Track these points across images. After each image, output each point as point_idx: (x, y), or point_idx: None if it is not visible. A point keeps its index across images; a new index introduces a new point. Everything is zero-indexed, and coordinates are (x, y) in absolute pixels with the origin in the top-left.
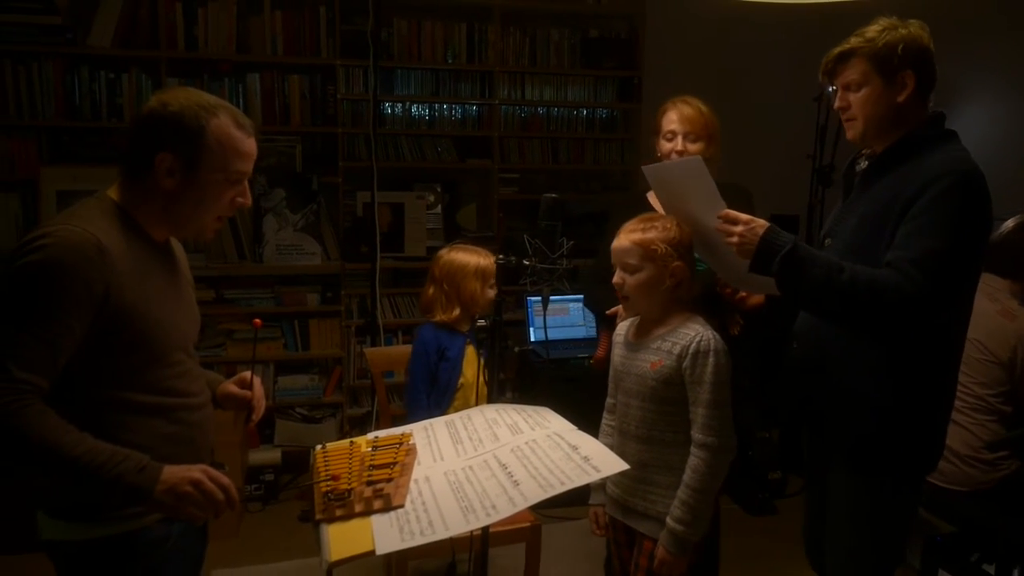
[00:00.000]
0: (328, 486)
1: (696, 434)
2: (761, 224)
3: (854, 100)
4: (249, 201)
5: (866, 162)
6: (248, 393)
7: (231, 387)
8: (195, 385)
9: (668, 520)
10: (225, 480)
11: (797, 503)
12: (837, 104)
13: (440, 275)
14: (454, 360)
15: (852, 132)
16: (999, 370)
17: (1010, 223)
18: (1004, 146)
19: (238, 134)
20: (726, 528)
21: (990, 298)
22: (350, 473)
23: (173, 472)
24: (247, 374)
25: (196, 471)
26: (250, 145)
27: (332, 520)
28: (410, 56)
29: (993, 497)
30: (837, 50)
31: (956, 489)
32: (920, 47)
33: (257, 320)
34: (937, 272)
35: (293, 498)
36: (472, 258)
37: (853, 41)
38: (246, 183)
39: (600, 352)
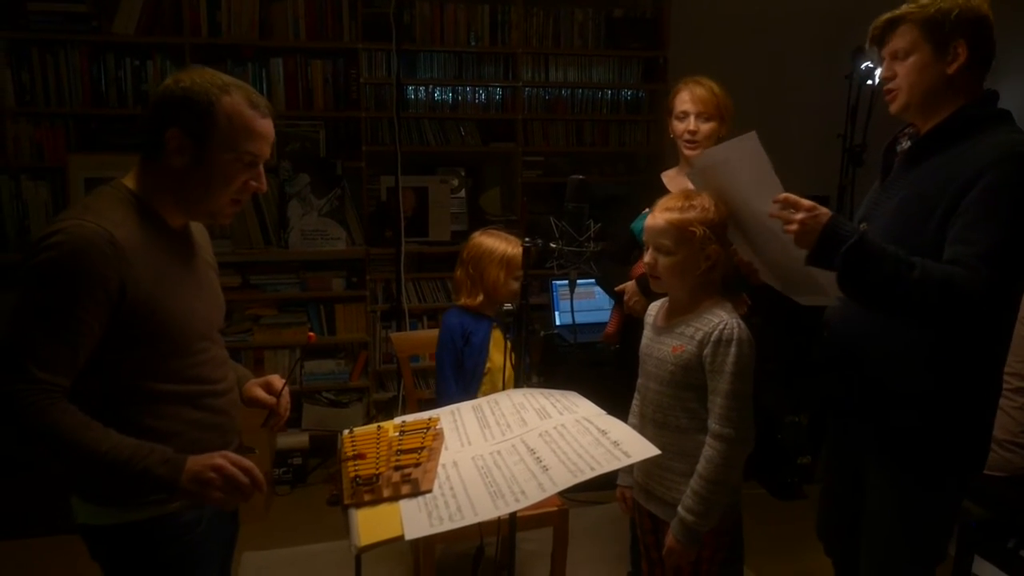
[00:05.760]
0: (355, 470)
1: (713, 424)
2: (824, 212)
3: (900, 69)
4: (264, 186)
5: (908, 142)
6: (272, 400)
7: (258, 391)
8: (220, 371)
9: (679, 509)
10: (247, 463)
11: None
12: (884, 73)
13: (468, 258)
14: (479, 345)
15: (896, 105)
16: None
17: None
18: None
19: (251, 113)
20: (754, 513)
21: None
22: (378, 458)
23: (196, 461)
24: (276, 380)
25: (218, 457)
26: (264, 126)
27: (360, 505)
28: (432, 39)
29: None
30: (887, 16)
31: (993, 474)
32: (977, 16)
33: (312, 334)
34: (1006, 267)
35: (321, 481)
36: (500, 245)
37: (904, 7)
38: (261, 167)
39: (610, 328)
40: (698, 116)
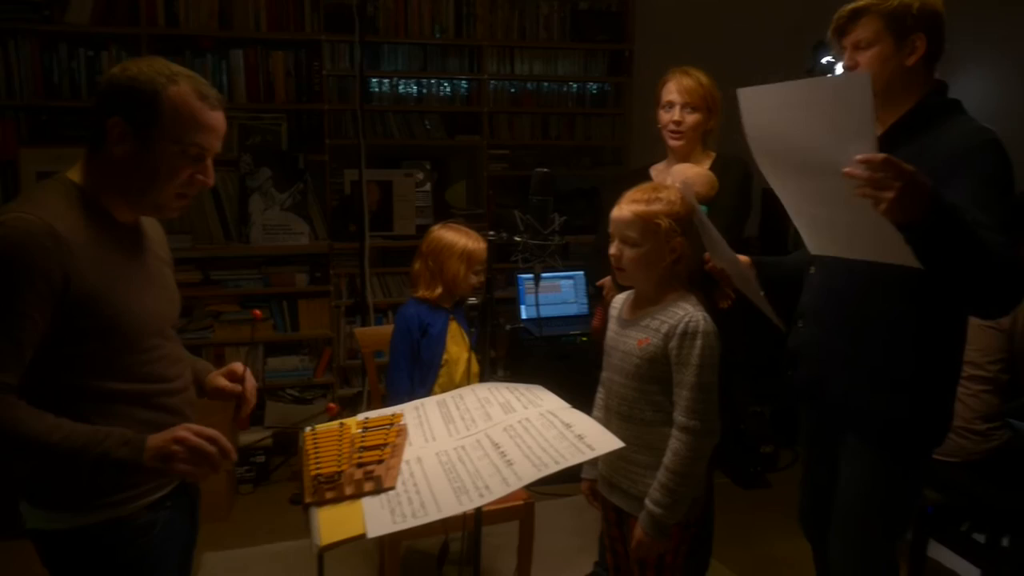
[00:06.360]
0: (317, 468)
1: (679, 416)
2: (925, 178)
3: (863, 60)
4: (211, 180)
5: None
6: (238, 387)
7: (221, 380)
8: (174, 369)
9: (647, 502)
10: (211, 432)
11: (788, 476)
12: (846, 63)
13: (427, 251)
14: (437, 336)
15: None
16: (1000, 337)
17: None
18: (1003, 115)
19: (199, 104)
20: (718, 503)
21: None
22: (339, 455)
23: (157, 437)
24: (238, 366)
25: (180, 430)
26: (213, 118)
27: (322, 503)
28: (397, 31)
29: (983, 467)
30: (851, 7)
31: (947, 460)
32: (934, 11)
33: (257, 311)
34: (1018, 243)
35: (285, 480)
36: (461, 239)
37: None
38: (209, 161)
39: (595, 322)
40: (684, 107)
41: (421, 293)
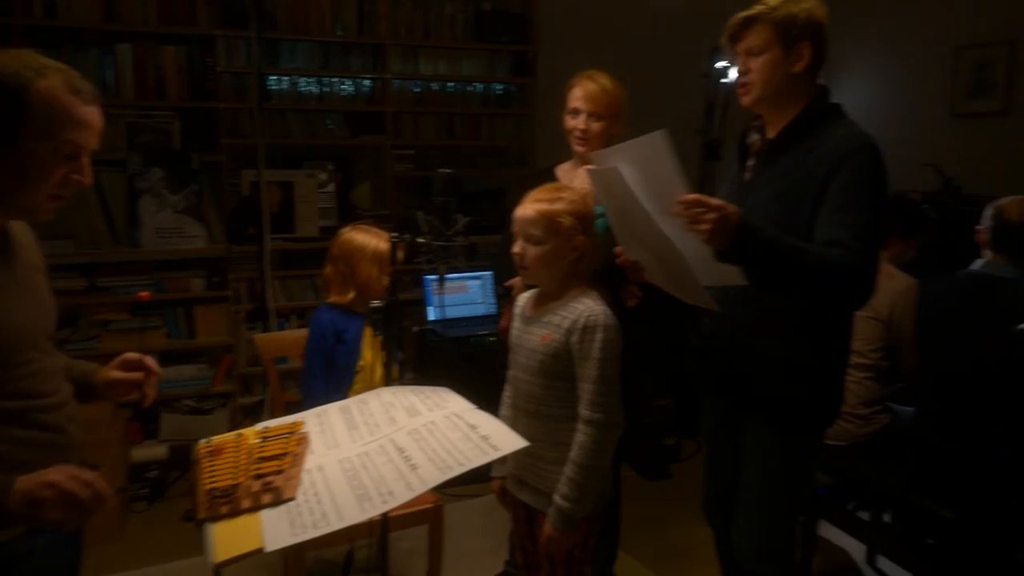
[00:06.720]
0: (211, 482)
1: (583, 410)
2: (734, 209)
3: (754, 65)
4: (89, 180)
5: (756, 135)
6: (137, 375)
7: (114, 373)
8: (51, 384)
9: (555, 497)
10: (88, 475)
11: (691, 466)
12: (739, 69)
13: (337, 254)
14: (352, 342)
15: (748, 98)
16: (879, 327)
17: None
18: (882, 117)
19: (71, 99)
20: (624, 494)
21: None
22: (236, 467)
23: (28, 480)
24: (131, 355)
25: (52, 472)
26: (88, 113)
27: (217, 518)
28: (296, 27)
29: (866, 450)
30: (743, 15)
31: (834, 444)
32: (818, 22)
33: (144, 294)
34: (874, 242)
35: (182, 495)
36: (372, 241)
37: (757, 8)
38: (86, 159)
39: (503, 322)
40: (590, 115)
41: (334, 298)
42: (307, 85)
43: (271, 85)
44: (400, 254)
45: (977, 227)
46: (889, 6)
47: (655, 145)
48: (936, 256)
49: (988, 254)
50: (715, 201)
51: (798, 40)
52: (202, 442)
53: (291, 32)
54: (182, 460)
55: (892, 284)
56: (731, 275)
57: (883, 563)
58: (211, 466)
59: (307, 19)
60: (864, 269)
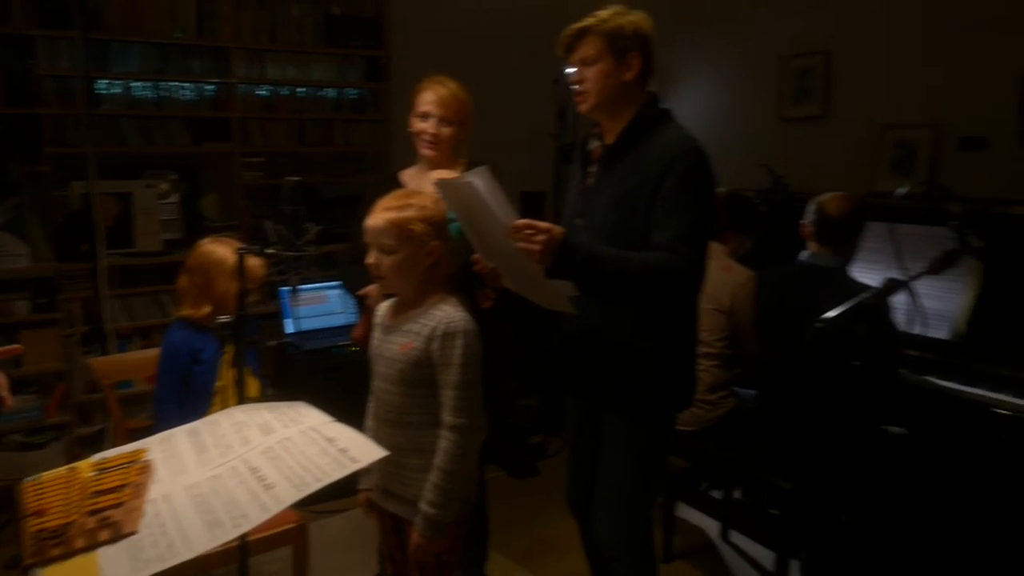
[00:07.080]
0: (37, 524)
1: (446, 416)
2: (558, 230)
3: (588, 75)
4: None
5: (596, 141)
6: None
7: None
8: None
9: (421, 504)
10: None
11: (558, 462)
12: (575, 78)
13: (194, 265)
14: (209, 362)
15: (584, 105)
16: (722, 317)
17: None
18: (718, 121)
19: None
20: (494, 494)
21: (711, 257)
22: (68, 505)
23: None
24: None
25: None
26: None
27: (47, 562)
28: (127, 28)
29: (715, 432)
30: (575, 27)
31: (686, 429)
32: (644, 34)
33: None
34: (700, 242)
35: (10, 542)
36: (232, 255)
37: (588, 20)
38: None
39: (357, 332)
40: (440, 120)
41: (186, 312)
42: (143, 90)
43: (101, 90)
44: (261, 269)
45: (801, 221)
46: (723, 18)
47: (483, 178)
48: (769, 249)
49: (813, 246)
50: (543, 224)
51: (628, 50)
52: (28, 480)
53: (122, 33)
54: (10, 503)
55: (732, 277)
56: (562, 294)
57: (736, 537)
58: (38, 505)
59: (140, 19)
60: (686, 269)
